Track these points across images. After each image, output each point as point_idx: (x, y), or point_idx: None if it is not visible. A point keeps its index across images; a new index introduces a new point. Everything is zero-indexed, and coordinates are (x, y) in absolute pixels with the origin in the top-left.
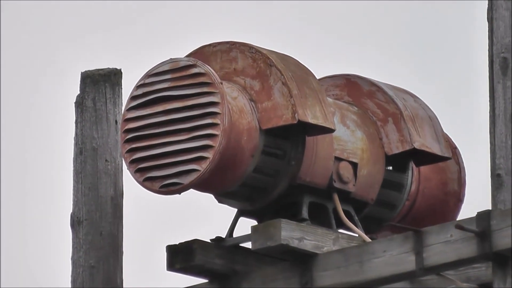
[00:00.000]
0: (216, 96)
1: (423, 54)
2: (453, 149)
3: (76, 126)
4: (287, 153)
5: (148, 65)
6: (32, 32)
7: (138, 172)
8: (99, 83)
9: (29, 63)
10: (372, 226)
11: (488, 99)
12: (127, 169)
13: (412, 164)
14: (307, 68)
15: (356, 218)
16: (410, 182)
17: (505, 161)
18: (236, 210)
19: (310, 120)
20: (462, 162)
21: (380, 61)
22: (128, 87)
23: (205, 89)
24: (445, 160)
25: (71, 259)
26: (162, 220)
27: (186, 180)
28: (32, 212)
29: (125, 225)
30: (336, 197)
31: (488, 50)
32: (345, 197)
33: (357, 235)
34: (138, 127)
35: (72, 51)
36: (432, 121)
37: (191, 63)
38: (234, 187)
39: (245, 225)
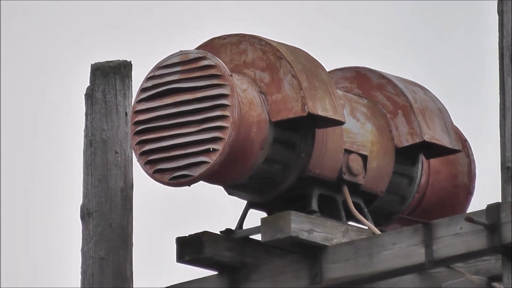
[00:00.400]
0: (226, 89)
1: (433, 46)
2: (463, 141)
3: (86, 118)
4: (297, 146)
5: (158, 57)
6: (43, 26)
7: (148, 164)
8: (109, 75)
9: (40, 55)
10: (381, 218)
11: (498, 92)
12: (137, 161)
13: (422, 157)
14: (317, 61)
15: (365, 210)
16: (420, 174)
17: None
18: (245, 202)
19: (320, 112)
20: (472, 155)
21: (389, 53)
22: (138, 79)
23: (215, 81)
24: (455, 153)
25: (81, 250)
26: (172, 212)
27: (196, 172)
28: (42, 204)
29: (135, 217)
30: (345, 189)
31: (498, 43)
32: (355, 189)
33: (366, 228)
34: (148, 119)
35: (82, 43)
36: (442, 113)
37: (201, 55)
38: (243, 179)
39: (255, 217)
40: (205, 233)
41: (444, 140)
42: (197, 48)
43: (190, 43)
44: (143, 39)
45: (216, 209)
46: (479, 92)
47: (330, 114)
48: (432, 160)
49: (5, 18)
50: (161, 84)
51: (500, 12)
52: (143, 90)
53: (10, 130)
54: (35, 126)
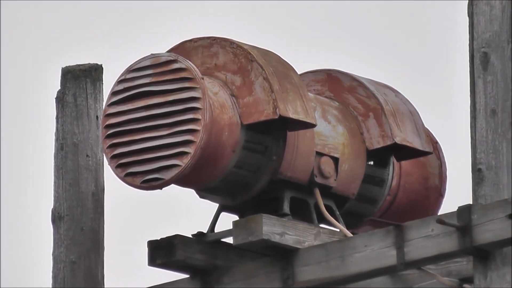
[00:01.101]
0: (197, 91)
1: (404, 48)
2: (434, 143)
3: (57, 122)
4: (268, 148)
5: (129, 60)
6: (12, 27)
7: (119, 167)
8: (80, 79)
9: (10, 58)
10: (353, 221)
11: (469, 94)
12: (108, 164)
13: (393, 159)
14: (288, 64)
15: (337, 213)
16: (391, 177)
17: (485, 155)
18: (217, 205)
19: (291, 115)
20: (443, 157)
21: (360, 56)
22: (109, 82)
23: (186, 84)
24: (426, 155)
25: (52, 254)
26: (144, 215)
27: (167, 175)
28: (12, 208)
29: (107, 220)
30: (317, 192)
31: (469, 45)
32: (327, 192)
33: (338, 230)
34: (119, 122)
35: (53, 47)
36: (413, 115)
37: (172, 58)
38: (215, 182)
39: (227, 220)
40: (176, 236)
41: (415, 142)
42: (168, 51)
43: (161, 46)
44: (114, 42)
45: (188, 212)
46: (450, 94)
47: (301, 116)
48: (403, 162)
49: None
50: (132, 87)
51: (470, 14)
52: (114, 93)
53: None
54: (4, 130)
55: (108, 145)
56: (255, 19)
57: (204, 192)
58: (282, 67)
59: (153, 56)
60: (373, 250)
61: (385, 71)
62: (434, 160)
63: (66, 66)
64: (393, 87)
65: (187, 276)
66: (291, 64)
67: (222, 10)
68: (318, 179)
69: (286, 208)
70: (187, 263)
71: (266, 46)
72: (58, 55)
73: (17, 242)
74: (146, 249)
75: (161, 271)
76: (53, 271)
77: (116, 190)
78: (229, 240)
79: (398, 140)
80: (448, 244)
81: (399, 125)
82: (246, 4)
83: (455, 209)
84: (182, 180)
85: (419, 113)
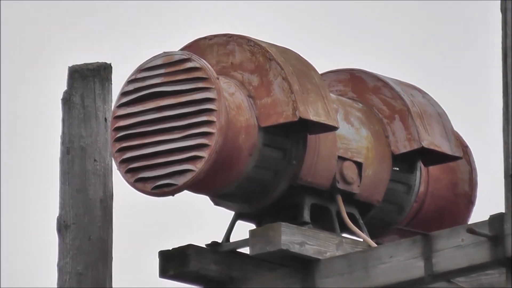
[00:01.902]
0: (212, 92)
1: (433, 48)
2: (464, 148)
3: (63, 124)
4: (287, 152)
5: (140, 59)
6: (17, 25)
7: (129, 172)
8: (87, 79)
9: (14, 57)
10: (378, 230)
11: (502, 95)
12: (117, 169)
13: (420, 164)
14: (308, 62)
15: (360, 221)
16: (418, 183)
17: None
18: (233, 213)
19: (312, 117)
20: (474, 162)
21: (386, 55)
22: (118, 82)
23: (200, 85)
24: (456, 160)
25: (57, 265)
26: (155, 223)
27: (180, 181)
28: (16, 216)
29: (115, 229)
30: (339, 198)
31: (502, 43)
32: (349, 198)
33: (361, 240)
34: (129, 125)
35: (59, 45)
36: (442, 118)
37: (185, 57)
38: (231, 188)
39: (243, 229)
40: (190, 246)
41: (444, 146)
42: (181, 50)
43: (174, 44)
44: (124, 40)
45: (202, 220)
46: (481, 95)
47: (322, 119)
48: (431, 168)
49: None
50: (143, 88)
51: (504, 10)
52: (124, 94)
53: None
54: (8, 133)
55: (117, 149)
56: (274, 15)
57: (219, 198)
58: (302, 66)
59: (165, 54)
60: (399, 261)
61: (412, 72)
62: (464, 165)
63: (73, 65)
64: (420, 88)
65: None
66: (311, 63)
67: (238, 7)
68: (341, 185)
69: (307, 216)
70: (200, 274)
71: (285, 44)
72: (65, 54)
73: (20, 252)
74: (157, 259)
75: (173, 283)
76: (58, 283)
77: (125, 196)
78: (246, 250)
79: (425, 144)
80: (479, 255)
81: (427, 128)
82: (265, 0)
83: (487, 217)
84: (196, 186)
85: (448, 115)
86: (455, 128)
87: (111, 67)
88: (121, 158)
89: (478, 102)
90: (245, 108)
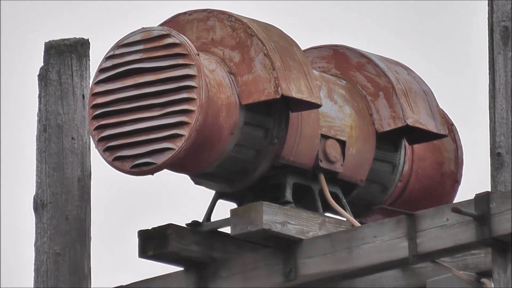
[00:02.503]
0: (192, 69)
1: (416, 23)
2: (450, 126)
3: (40, 101)
4: (269, 131)
5: (118, 35)
6: None
7: (107, 151)
8: (64, 54)
9: None
10: (361, 209)
11: (488, 71)
12: (95, 147)
13: (405, 142)
14: (291, 38)
15: (344, 200)
16: (402, 161)
17: (505, 138)
18: (214, 192)
19: (294, 94)
20: (459, 140)
21: (370, 31)
22: (96, 58)
23: (180, 61)
24: (441, 138)
25: (34, 245)
26: (134, 203)
27: (159, 159)
28: None
29: (93, 208)
30: (322, 178)
31: (488, 19)
32: (332, 178)
33: (345, 219)
34: (107, 102)
35: (35, 20)
36: (427, 95)
37: (164, 32)
38: (211, 167)
39: (224, 209)
40: (170, 225)
41: (429, 124)
42: (160, 25)
43: (153, 19)
44: (101, 15)
45: (182, 200)
46: (467, 72)
47: (305, 96)
48: (416, 146)
49: None
50: (121, 64)
51: None
52: (101, 70)
53: None
54: None
55: (95, 126)
56: None
57: (199, 178)
58: (284, 43)
59: (144, 30)
60: (383, 241)
61: (396, 47)
62: (450, 144)
63: (50, 41)
64: (405, 64)
65: (181, 269)
66: (294, 39)
67: None
68: (323, 164)
69: (289, 195)
70: (181, 255)
71: (266, 19)
72: (41, 29)
73: None
74: (137, 239)
75: (153, 263)
76: (35, 263)
77: (103, 175)
78: (227, 230)
79: (410, 122)
80: (465, 235)
81: (412, 105)
82: None
83: (472, 196)
84: (176, 165)
85: (434, 92)
86: (441, 106)
87: (89, 43)
88: (99, 136)
89: (463, 79)
90: (226, 86)
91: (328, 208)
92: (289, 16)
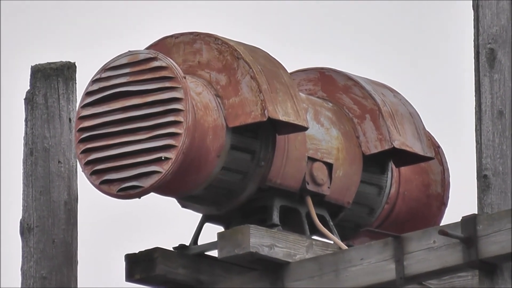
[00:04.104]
0: (179, 92)
1: (403, 45)
2: (436, 148)
3: (26, 125)
4: (256, 153)
5: (105, 58)
6: None
7: (94, 174)
8: (51, 78)
9: None
10: (348, 231)
11: (474, 93)
12: (82, 171)
13: (391, 165)
14: (277, 61)
15: (331, 223)
16: (389, 184)
17: (492, 161)
18: (201, 215)
19: (281, 117)
20: (446, 163)
21: (356, 54)
22: (83, 82)
23: (166, 84)
24: (427, 160)
25: (21, 269)
26: (121, 226)
27: (146, 183)
28: None
29: (80, 232)
30: (309, 200)
31: (474, 41)
32: (319, 200)
33: (332, 242)
34: (94, 125)
35: (22, 43)
36: (413, 118)
37: (151, 55)
38: (198, 190)
39: (211, 232)
40: (157, 249)
41: (416, 147)
42: (147, 48)
43: (140, 43)
44: (88, 39)
45: (169, 223)
46: (453, 94)
47: (292, 119)
48: (402, 169)
49: None
50: (108, 87)
51: (476, 7)
52: (88, 93)
53: None
54: None
55: (82, 150)
56: (242, 14)
57: (186, 201)
58: (271, 65)
59: (130, 53)
60: (370, 263)
61: (382, 71)
62: (436, 166)
63: (36, 64)
64: (391, 87)
65: None
66: (280, 62)
67: (206, 5)
68: (310, 187)
69: (276, 218)
70: (168, 278)
71: (253, 42)
72: (28, 52)
73: None
74: (124, 263)
75: (140, 287)
76: None
77: (90, 199)
78: (214, 253)
79: (397, 144)
80: (452, 257)
81: (398, 128)
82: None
83: (459, 219)
84: (163, 188)
85: (420, 115)
86: (427, 128)
87: (75, 66)
88: (86, 160)
89: (450, 102)
90: (212, 108)
91: (315, 230)
92: (276, 39)
